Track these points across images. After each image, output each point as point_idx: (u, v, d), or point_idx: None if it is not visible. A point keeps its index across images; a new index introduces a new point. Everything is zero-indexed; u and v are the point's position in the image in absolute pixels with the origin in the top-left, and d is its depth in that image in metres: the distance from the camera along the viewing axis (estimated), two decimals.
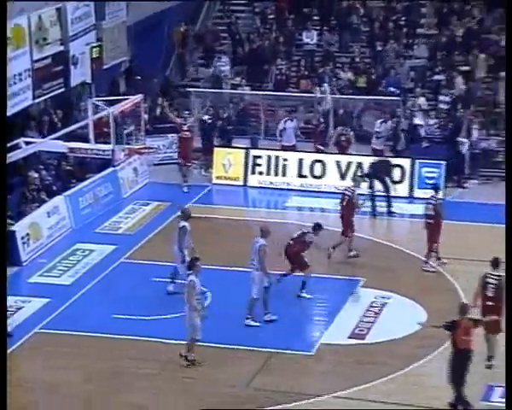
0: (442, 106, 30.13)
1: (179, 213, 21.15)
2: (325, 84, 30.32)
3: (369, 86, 31.42)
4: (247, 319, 19.36)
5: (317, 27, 33.72)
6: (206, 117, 29.24)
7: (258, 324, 19.37)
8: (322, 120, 29.33)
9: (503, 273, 17.49)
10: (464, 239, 23.66)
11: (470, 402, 16.19)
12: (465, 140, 27.87)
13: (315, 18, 34.18)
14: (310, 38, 33.17)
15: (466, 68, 30.94)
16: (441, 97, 30.32)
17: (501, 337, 17.14)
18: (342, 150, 28.40)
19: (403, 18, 33.23)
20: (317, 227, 20.59)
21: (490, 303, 17.56)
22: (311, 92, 31.21)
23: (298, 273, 20.57)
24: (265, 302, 19.46)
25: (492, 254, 18.50)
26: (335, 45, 33.32)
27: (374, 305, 20.34)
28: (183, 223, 20.46)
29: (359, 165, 27.57)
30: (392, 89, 30.82)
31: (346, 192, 22.92)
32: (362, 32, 33.45)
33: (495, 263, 17.77)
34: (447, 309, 18.57)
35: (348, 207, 22.66)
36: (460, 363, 16.08)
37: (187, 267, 18.17)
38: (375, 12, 33.48)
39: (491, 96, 30.17)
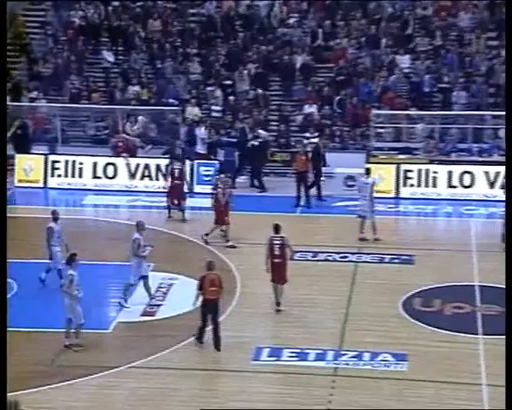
0: (215, 114, 31.04)
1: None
2: None
3: (152, 98, 31.89)
4: (121, 299, 19.70)
5: (113, 48, 33.75)
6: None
7: (128, 306, 19.61)
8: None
9: (285, 235, 19.25)
10: (241, 225, 24.55)
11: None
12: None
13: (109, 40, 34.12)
14: (108, 57, 33.27)
15: (229, 82, 31.92)
16: (213, 107, 31.18)
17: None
18: (118, 154, 28.99)
19: (178, 40, 33.68)
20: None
21: (276, 260, 19.28)
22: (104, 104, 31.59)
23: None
24: (126, 290, 19.76)
25: (262, 238, 19.91)
26: (126, 63, 33.42)
27: (162, 286, 20.75)
28: (50, 224, 20.53)
29: (146, 166, 28.59)
30: (171, 100, 31.51)
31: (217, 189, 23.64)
32: (144, 51, 33.64)
33: (276, 228, 19.47)
34: (224, 286, 19.62)
35: (218, 199, 23.41)
36: (207, 310, 17.51)
37: (66, 262, 18.13)
38: (154, 35, 33.81)
39: (252, 104, 31.26)
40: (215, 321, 17.63)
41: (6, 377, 12.44)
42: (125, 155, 28.90)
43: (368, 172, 24.49)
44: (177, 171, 25.74)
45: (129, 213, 26.41)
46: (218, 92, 31.36)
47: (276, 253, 19.38)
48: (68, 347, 17.69)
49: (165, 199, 26.21)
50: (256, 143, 28.52)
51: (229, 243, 23.23)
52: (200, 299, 17.65)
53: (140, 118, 30.31)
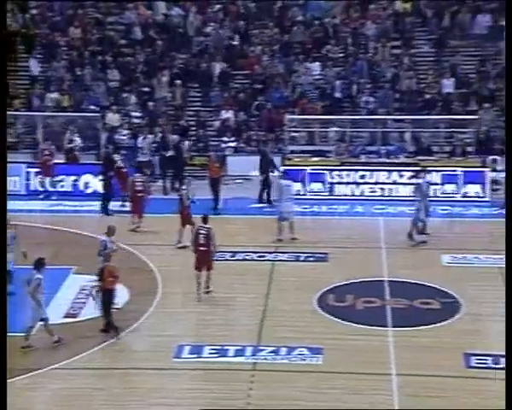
0: (135, 120, 30.85)
1: None
2: None
3: (72, 105, 31.49)
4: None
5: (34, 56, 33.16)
6: None
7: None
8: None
9: (211, 226, 19.69)
10: (161, 227, 24.60)
11: (120, 327, 17.96)
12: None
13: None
14: (34, 66, 32.67)
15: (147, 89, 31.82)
16: (133, 113, 30.97)
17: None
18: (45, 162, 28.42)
19: (98, 47, 33.30)
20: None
21: (201, 248, 19.74)
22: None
23: None
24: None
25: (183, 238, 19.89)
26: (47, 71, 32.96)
27: (84, 288, 20.41)
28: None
29: None
30: (92, 106, 31.16)
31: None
32: (65, 59, 33.21)
33: (204, 219, 20.12)
34: (146, 286, 19.55)
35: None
36: (107, 298, 17.93)
37: (34, 267, 17.75)
38: (75, 42, 33.43)
39: (171, 110, 31.23)
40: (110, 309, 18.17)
41: (6, 376, 12.36)
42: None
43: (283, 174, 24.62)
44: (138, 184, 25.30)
45: (50, 218, 25.93)
46: (135, 99, 31.04)
47: (201, 242, 19.86)
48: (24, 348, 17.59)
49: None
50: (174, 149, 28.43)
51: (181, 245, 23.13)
52: (99, 289, 18.08)
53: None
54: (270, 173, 27.01)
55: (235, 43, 32.95)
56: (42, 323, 17.74)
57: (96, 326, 18.67)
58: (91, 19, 34.11)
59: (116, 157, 27.15)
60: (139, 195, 24.87)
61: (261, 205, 26.80)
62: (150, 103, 31.08)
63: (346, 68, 32.00)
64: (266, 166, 27.17)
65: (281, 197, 23.81)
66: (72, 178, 28.60)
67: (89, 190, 28.53)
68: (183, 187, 24.03)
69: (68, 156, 29.48)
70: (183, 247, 22.84)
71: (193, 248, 20.18)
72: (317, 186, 27.64)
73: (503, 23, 31.95)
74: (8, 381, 15.76)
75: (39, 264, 17.77)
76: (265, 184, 26.93)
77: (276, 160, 28.33)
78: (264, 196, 26.96)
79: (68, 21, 33.92)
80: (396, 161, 28.10)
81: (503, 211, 25.84)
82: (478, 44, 32.28)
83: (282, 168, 27.05)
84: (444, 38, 32.51)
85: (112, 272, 18.05)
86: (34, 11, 34.35)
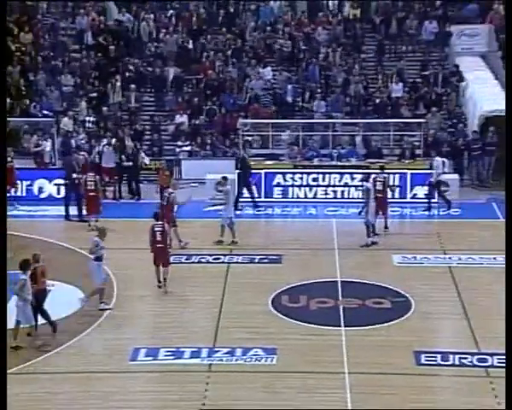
0: (88, 125, 30.56)
1: None
2: None
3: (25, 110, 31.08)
4: (101, 303, 19.37)
5: None
6: None
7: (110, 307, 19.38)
8: None
9: (165, 224, 20.47)
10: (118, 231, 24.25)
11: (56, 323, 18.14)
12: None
13: None
14: None
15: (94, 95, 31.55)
16: (87, 118, 30.60)
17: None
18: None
19: (51, 53, 32.96)
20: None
21: (158, 245, 20.33)
22: None
23: None
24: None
25: (138, 242, 19.89)
26: None
27: None
28: None
29: None
30: (45, 111, 30.84)
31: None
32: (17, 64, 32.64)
33: (156, 217, 20.62)
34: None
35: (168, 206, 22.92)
36: (40, 298, 18.03)
37: (20, 268, 17.72)
38: (26, 47, 32.97)
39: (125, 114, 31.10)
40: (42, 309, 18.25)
41: (6, 376, 12.30)
42: None
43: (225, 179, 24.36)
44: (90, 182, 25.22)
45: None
46: (85, 104, 30.86)
47: (158, 239, 20.34)
48: (16, 348, 17.47)
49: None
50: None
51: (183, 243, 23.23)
52: (33, 290, 17.82)
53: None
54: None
55: (188, 47, 32.83)
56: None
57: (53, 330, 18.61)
58: (44, 24, 33.67)
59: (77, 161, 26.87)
60: (91, 194, 24.88)
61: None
62: (104, 108, 30.81)
63: (297, 73, 32.12)
64: (245, 170, 26.83)
65: (228, 202, 23.73)
66: (26, 183, 28.17)
67: (43, 195, 28.12)
68: (170, 191, 23.58)
69: (36, 161, 28.99)
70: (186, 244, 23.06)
71: (150, 245, 20.46)
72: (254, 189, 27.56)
73: (449, 29, 32.44)
74: None
75: (25, 265, 17.76)
76: (241, 189, 26.58)
77: (231, 163, 28.31)
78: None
79: (19, 27, 33.38)
80: (347, 163, 28.24)
81: (450, 211, 26.29)
82: (425, 50, 32.62)
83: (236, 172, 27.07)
84: (392, 43, 32.83)
85: (44, 272, 18.14)
86: None
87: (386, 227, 24.41)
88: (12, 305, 18.58)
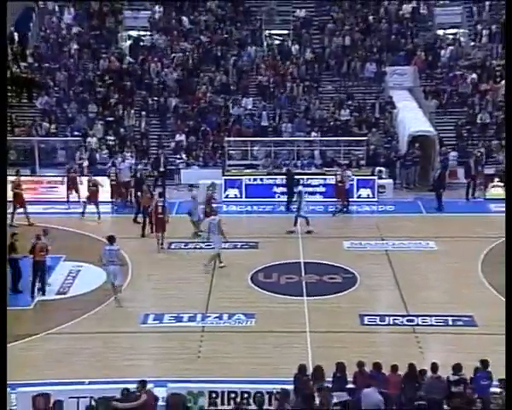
0: (109, 142, 29.79)
1: None
2: None
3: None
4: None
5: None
6: None
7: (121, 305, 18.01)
8: None
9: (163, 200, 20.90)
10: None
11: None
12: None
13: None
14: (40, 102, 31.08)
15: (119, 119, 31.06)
16: (108, 137, 29.89)
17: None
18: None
19: (80, 87, 32.24)
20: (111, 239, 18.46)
21: (159, 216, 21.26)
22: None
23: None
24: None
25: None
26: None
27: (71, 272, 20.15)
28: None
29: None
30: (76, 132, 30.01)
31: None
32: (53, 96, 31.84)
33: (160, 194, 22.35)
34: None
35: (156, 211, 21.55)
36: (38, 267, 18.24)
37: (108, 240, 17.74)
38: (61, 84, 32.34)
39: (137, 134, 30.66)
40: (43, 277, 18.41)
41: (6, 374, 10.86)
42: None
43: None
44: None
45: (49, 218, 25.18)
46: (101, 127, 30.26)
47: (159, 211, 21.26)
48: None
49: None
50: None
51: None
52: (32, 260, 18.15)
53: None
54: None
55: (186, 82, 32.64)
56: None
57: (81, 301, 18.47)
58: (76, 65, 33.27)
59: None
60: (159, 217, 21.70)
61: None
62: (121, 129, 30.61)
63: (270, 102, 32.09)
64: (291, 181, 25.77)
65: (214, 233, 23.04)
66: None
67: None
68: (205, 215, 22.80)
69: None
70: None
71: (154, 216, 21.25)
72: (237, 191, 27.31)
73: (385, 69, 32.53)
74: (14, 343, 15.68)
75: (112, 239, 18.06)
76: (290, 196, 25.51)
77: (218, 171, 28.20)
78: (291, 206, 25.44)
79: (56, 68, 33.05)
80: (308, 171, 28.21)
81: (387, 207, 26.36)
82: (367, 85, 32.73)
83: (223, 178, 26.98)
84: (342, 79, 32.88)
85: (43, 248, 18.18)
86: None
87: (342, 211, 24.74)
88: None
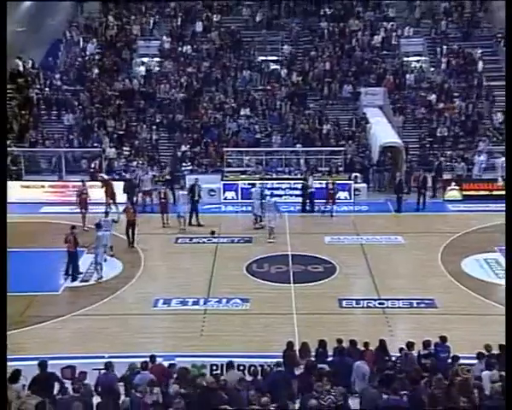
0: (125, 153, 29.77)
1: None
2: None
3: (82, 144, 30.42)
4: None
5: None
6: None
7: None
8: None
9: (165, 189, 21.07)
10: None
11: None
12: None
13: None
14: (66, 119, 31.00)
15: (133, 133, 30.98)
16: (124, 148, 29.79)
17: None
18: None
19: (100, 105, 32.01)
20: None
21: (162, 200, 22.32)
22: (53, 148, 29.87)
23: None
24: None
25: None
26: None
27: (93, 263, 19.48)
28: None
29: None
30: (96, 144, 29.76)
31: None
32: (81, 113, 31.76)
33: (164, 184, 23.63)
34: (134, 261, 19.18)
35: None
36: (70, 259, 18.47)
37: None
38: (83, 103, 32.31)
39: (149, 146, 30.62)
40: (76, 266, 18.59)
41: (6, 373, 9.89)
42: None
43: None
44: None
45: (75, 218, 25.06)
46: (107, 139, 30.05)
47: (162, 196, 22.59)
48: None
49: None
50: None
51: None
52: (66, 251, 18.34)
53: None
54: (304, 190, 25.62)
55: (190, 100, 32.60)
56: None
57: (102, 287, 18.42)
58: (97, 87, 33.11)
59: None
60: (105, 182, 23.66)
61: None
62: (136, 142, 30.54)
63: (264, 118, 32.06)
64: (306, 187, 25.77)
65: (183, 201, 23.19)
66: None
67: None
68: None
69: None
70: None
71: (158, 201, 22.52)
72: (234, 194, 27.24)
73: (360, 90, 32.55)
74: (44, 324, 15.70)
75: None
76: (305, 198, 25.50)
77: (218, 177, 28.16)
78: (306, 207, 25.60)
79: (80, 89, 32.90)
80: (294, 176, 28.15)
81: (362, 208, 26.39)
82: (344, 103, 32.78)
83: (222, 183, 26.90)
84: (323, 99, 32.92)
85: (71, 240, 18.38)
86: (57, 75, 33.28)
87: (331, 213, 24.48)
88: None
